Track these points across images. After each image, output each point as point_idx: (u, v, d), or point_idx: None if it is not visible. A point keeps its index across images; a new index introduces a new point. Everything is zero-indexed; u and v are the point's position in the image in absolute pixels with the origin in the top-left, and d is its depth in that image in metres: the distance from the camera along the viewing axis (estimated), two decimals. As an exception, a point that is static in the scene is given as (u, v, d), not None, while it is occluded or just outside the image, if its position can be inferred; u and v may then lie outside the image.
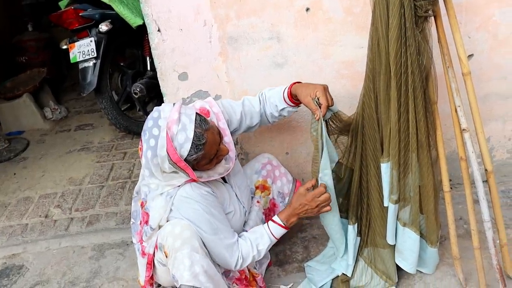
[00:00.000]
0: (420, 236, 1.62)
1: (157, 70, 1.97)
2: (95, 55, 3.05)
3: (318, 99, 1.56)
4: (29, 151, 3.57)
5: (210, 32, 1.88)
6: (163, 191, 1.50)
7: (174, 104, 1.46)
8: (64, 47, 3.27)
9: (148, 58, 3.35)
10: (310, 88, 1.60)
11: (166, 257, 1.48)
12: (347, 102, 1.91)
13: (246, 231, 1.66)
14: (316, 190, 1.55)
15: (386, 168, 1.54)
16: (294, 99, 1.68)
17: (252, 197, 1.83)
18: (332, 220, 1.66)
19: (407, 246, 1.63)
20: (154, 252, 1.56)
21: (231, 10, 1.84)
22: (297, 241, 2.04)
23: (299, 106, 1.73)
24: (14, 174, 3.21)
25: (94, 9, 3.07)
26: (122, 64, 3.54)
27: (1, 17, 4.95)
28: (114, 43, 3.24)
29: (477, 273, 1.58)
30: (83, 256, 2.19)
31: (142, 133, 1.45)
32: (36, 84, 4.08)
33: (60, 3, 3.24)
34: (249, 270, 1.71)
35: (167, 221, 1.51)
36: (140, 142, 1.48)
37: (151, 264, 1.59)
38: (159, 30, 1.88)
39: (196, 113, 1.45)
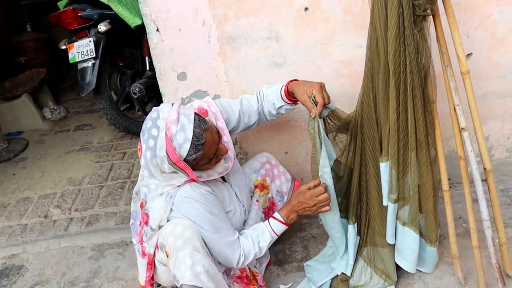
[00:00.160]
0: (420, 235, 1.62)
1: (156, 70, 1.97)
2: (94, 55, 3.04)
3: (314, 97, 1.56)
4: (29, 152, 3.57)
5: (209, 32, 1.88)
6: (163, 192, 1.50)
7: (172, 104, 1.46)
8: (63, 47, 3.26)
9: (147, 58, 3.34)
10: (306, 86, 1.60)
11: (167, 256, 1.48)
12: (346, 101, 1.91)
13: (246, 230, 1.67)
14: (316, 189, 1.55)
15: (385, 167, 1.54)
16: (291, 96, 1.68)
17: (251, 196, 1.83)
18: (332, 219, 1.66)
19: (406, 245, 1.63)
20: (154, 252, 1.56)
21: (229, 10, 1.84)
22: (297, 240, 2.04)
23: (296, 104, 1.72)
24: (14, 174, 3.21)
25: (93, 9, 3.06)
26: (121, 64, 3.54)
27: (-1, 17, 4.96)
28: (113, 43, 3.23)
29: (476, 272, 1.58)
30: (82, 256, 2.19)
31: (141, 134, 1.45)
32: (35, 85, 4.08)
33: (58, 3, 3.23)
34: (249, 268, 1.71)
35: (168, 221, 1.51)
36: (139, 143, 1.48)
37: (151, 265, 1.59)
38: (157, 30, 1.88)
39: (195, 113, 1.45)
